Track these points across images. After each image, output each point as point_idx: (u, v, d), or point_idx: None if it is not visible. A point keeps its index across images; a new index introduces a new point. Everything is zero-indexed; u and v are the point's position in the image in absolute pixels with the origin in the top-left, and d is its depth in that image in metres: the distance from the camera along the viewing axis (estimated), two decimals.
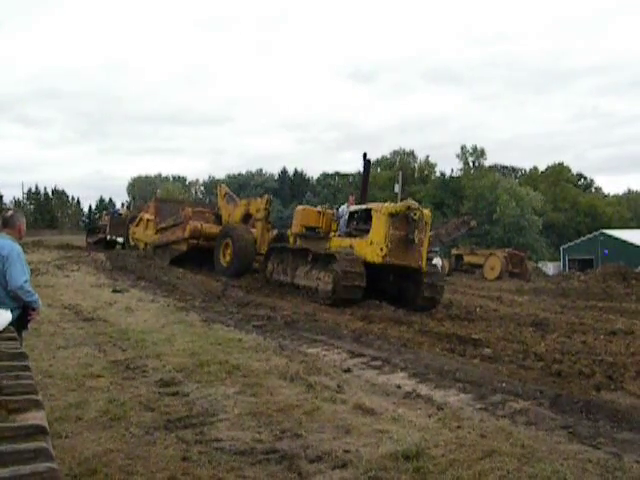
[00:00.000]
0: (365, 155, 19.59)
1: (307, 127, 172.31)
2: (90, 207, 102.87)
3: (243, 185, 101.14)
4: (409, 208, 16.26)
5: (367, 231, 16.93)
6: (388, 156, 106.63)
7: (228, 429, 5.95)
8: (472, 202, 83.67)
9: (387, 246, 15.97)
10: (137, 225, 28.87)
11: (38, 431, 2.58)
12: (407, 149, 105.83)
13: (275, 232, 24.13)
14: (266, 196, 23.83)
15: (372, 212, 16.84)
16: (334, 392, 7.38)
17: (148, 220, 27.68)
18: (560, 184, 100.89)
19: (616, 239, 66.09)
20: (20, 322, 5.87)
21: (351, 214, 18.58)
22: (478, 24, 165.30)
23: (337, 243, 18.09)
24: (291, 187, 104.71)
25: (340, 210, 19.49)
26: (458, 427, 6.23)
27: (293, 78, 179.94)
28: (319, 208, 20.41)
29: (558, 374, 9.13)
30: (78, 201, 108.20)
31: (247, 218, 23.80)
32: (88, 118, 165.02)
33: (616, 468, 5.27)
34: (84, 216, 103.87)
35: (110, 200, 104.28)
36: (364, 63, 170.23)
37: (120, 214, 41.48)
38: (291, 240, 20.72)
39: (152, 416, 6.23)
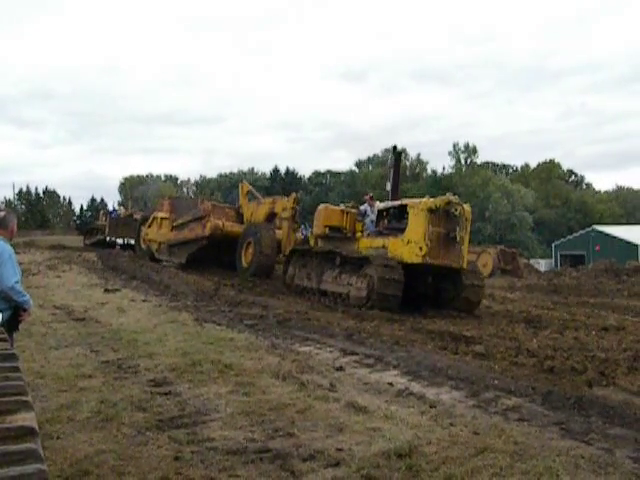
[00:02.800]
0: (395, 147, 18.42)
1: (298, 126, 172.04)
2: (82, 207, 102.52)
3: (235, 184, 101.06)
4: (449, 203, 15.18)
5: (402, 229, 15.76)
6: (379, 154, 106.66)
7: (220, 428, 5.94)
8: (464, 199, 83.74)
9: (427, 245, 14.83)
10: (150, 226, 27.17)
11: (27, 432, 2.56)
12: (399, 147, 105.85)
13: (305, 233, 23.09)
14: (293, 194, 22.38)
15: (408, 208, 15.64)
16: (326, 390, 7.37)
17: (162, 218, 26.10)
18: (551, 181, 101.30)
19: (607, 235, 66.35)
20: (11, 323, 5.85)
21: (380, 212, 17.44)
22: (467, 24, 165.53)
23: (367, 244, 16.89)
24: (283, 186, 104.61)
25: (362, 209, 18.17)
26: (451, 424, 6.23)
27: (285, 78, 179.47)
28: (342, 207, 19.28)
29: (550, 370, 9.14)
30: (70, 201, 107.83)
31: (272, 217, 22.64)
32: (81, 118, 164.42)
33: (608, 464, 5.27)
34: (75, 216, 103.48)
35: (102, 200, 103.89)
36: (355, 63, 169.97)
37: (119, 214, 40.47)
38: (311, 242, 19.57)
39: (144, 416, 6.22)
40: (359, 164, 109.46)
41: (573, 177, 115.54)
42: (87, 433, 5.70)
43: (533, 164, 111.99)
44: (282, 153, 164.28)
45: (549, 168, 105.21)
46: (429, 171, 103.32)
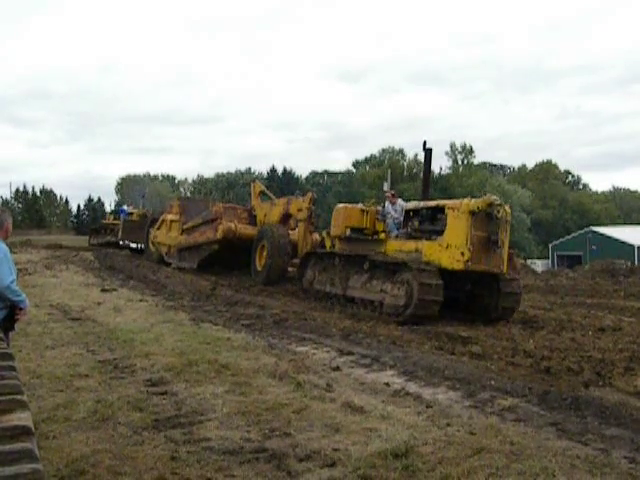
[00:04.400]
0: (425, 143, 16.66)
1: (296, 127, 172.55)
2: (78, 207, 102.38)
3: (232, 183, 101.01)
4: (491, 204, 13.93)
5: (436, 232, 14.58)
6: (377, 154, 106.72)
7: (217, 428, 5.93)
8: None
9: (469, 250, 13.62)
10: (159, 228, 26.17)
11: (23, 432, 2.56)
12: (396, 147, 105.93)
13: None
14: (309, 194, 20.97)
15: (446, 210, 14.37)
16: (323, 390, 7.37)
17: (172, 221, 25.13)
18: (548, 181, 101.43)
19: (604, 236, 66.44)
20: (7, 322, 5.86)
21: (407, 212, 16.09)
22: (463, 26, 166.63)
23: (396, 247, 15.49)
24: (280, 186, 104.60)
25: (385, 207, 16.94)
26: (447, 425, 6.23)
27: (283, 79, 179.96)
28: (361, 206, 17.91)
29: (547, 371, 9.15)
30: (66, 201, 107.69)
31: (286, 218, 21.43)
32: (79, 118, 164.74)
33: (604, 464, 5.28)
34: (72, 216, 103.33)
35: (99, 199, 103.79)
36: (352, 64, 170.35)
37: (130, 213, 37.62)
38: (328, 244, 18.13)
39: (140, 416, 6.21)
40: (356, 164, 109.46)
41: (570, 178, 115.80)
42: (83, 433, 5.69)
43: (530, 165, 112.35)
44: (279, 153, 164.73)
45: (546, 169, 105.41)
46: None
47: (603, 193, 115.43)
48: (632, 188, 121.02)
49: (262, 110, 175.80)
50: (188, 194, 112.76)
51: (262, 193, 24.18)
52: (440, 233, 14.36)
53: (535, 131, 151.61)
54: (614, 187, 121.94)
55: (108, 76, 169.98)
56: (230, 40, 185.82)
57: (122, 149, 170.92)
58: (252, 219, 23.02)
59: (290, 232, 20.80)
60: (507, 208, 14.42)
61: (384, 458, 5.23)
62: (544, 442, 5.81)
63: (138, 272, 22.08)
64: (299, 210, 20.47)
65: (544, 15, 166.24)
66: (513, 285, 14.86)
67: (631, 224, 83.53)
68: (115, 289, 16.71)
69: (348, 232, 17.08)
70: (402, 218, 16.20)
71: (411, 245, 14.98)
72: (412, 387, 7.82)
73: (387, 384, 7.87)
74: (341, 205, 17.99)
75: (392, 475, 4.93)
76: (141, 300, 14.78)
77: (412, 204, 16.36)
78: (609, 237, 65.80)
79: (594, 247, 64.65)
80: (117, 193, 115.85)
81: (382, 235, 16.50)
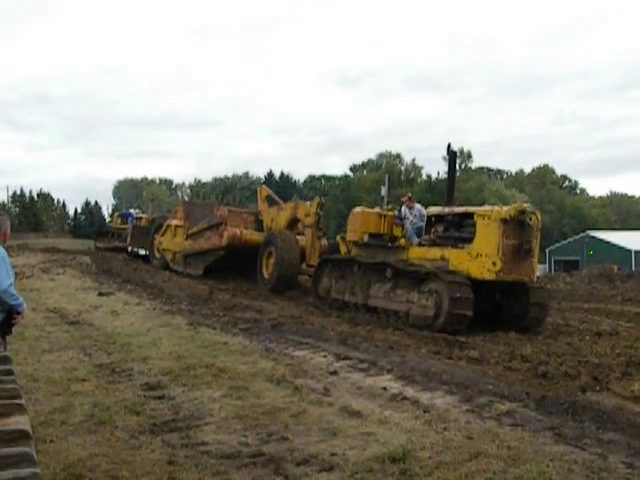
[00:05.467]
0: (449, 146, 15.72)
1: (294, 131, 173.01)
2: (75, 210, 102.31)
3: (229, 188, 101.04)
4: (524, 212, 13.40)
5: (463, 239, 14.03)
6: (374, 159, 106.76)
7: (214, 432, 5.93)
8: (458, 205, 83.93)
9: (500, 259, 13.01)
10: (163, 234, 25.28)
11: (21, 436, 2.56)
12: (393, 152, 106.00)
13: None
14: (317, 198, 20.30)
15: (475, 217, 13.70)
16: (320, 395, 7.37)
17: (176, 226, 24.28)
18: (545, 186, 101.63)
19: (601, 241, 66.52)
20: (4, 326, 5.85)
21: (429, 218, 15.45)
22: (459, 31, 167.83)
23: (419, 254, 14.79)
24: (277, 190, 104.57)
25: (402, 212, 16.31)
26: (444, 429, 6.23)
27: (281, 83, 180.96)
28: (378, 209, 17.46)
29: (544, 375, 9.15)
30: (64, 204, 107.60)
31: (294, 224, 20.76)
32: (77, 122, 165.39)
33: (601, 469, 5.28)
34: (69, 219, 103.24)
35: (96, 203, 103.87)
36: (350, 69, 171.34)
37: (139, 218, 35.62)
38: (343, 249, 17.43)
39: (138, 420, 6.21)
40: (354, 169, 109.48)
41: (567, 182, 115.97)
42: (80, 437, 5.69)
43: (527, 169, 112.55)
44: (277, 157, 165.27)
45: (543, 173, 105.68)
46: (424, 176, 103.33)
47: (600, 198, 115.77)
48: (629, 193, 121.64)
49: (260, 114, 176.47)
50: (186, 198, 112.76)
51: (269, 197, 23.39)
52: (467, 240, 13.84)
53: (532, 136, 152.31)
54: (611, 192, 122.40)
55: (107, 80, 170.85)
56: (228, 45, 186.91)
57: (120, 153, 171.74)
58: (258, 224, 22.41)
59: (298, 238, 20.13)
60: (538, 215, 13.92)
61: (381, 462, 5.23)
62: (541, 447, 5.81)
63: (135, 276, 22.04)
64: (307, 215, 19.82)
65: (539, 21, 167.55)
66: (541, 294, 14.35)
67: (628, 229, 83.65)
68: (112, 293, 16.68)
69: (366, 238, 16.39)
70: (421, 223, 15.67)
71: (436, 253, 14.36)
72: (409, 392, 7.82)
73: (384, 388, 7.86)
74: (358, 209, 17.32)
75: (389, 479, 4.93)
76: (138, 304, 14.76)
77: (435, 209, 15.74)
78: (606, 242, 65.88)
79: (591, 252, 64.72)
80: (114, 197, 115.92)
81: (402, 241, 15.76)
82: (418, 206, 16.30)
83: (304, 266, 19.39)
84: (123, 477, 4.85)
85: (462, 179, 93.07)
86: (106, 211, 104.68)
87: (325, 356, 9.86)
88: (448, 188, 16.05)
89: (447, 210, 15.05)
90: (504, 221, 13.12)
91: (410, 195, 16.88)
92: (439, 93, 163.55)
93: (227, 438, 5.78)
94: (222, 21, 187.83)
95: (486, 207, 14.26)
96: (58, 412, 6.38)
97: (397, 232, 16.23)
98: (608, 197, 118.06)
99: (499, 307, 14.36)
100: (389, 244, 16.07)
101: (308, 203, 20.46)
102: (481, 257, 13.24)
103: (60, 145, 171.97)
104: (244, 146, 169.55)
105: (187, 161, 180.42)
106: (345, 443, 5.73)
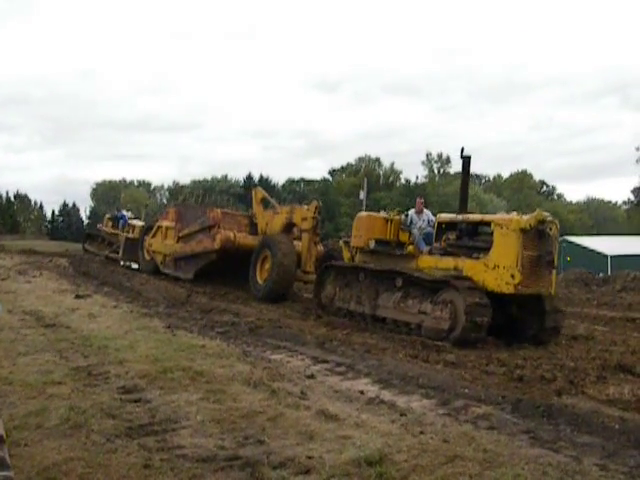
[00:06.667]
0: (462, 150, 14.66)
1: (273, 135, 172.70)
2: (53, 212, 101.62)
3: (208, 190, 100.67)
4: (543, 221, 12.75)
5: (477, 248, 13.32)
6: (353, 163, 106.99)
7: (191, 436, 5.91)
8: (437, 209, 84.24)
9: (520, 272, 12.31)
10: (154, 236, 24.46)
11: None
12: (372, 156, 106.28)
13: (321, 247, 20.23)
14: (314, 202, 19.44)
15: (493, 226, 12.99)
16: (298, 398, 7.37)
17: (167, 228, 23.59)
18: (523, 191, 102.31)
19: (578, 246, 66.98)
20: None
21: (440, 225, 14.62)
22: (439, 38, 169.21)
23: (430, 263, 14.06)
24: None
25: (409, 216, 15.72)
26: (421, 432, 6.26)
27: (260, 87, 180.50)
28: (383, 214, 16.53)
29: (520, 379, 9.21)
30: (41, 206, 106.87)
31: (289, 228, 20.03)
32: (56, 124, 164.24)
33: (576, 471, 5.33)
34: (47, 221, 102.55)
35: (74, 205, 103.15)
36: (329, 74, 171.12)
37: (130, 218, 33.11)
38: (346, 255, 16.73)
39: (114, 423, 6.17)
40: (332, 172, 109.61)
41: (544, 188, 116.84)
42: (55, 440, 5.64)
43: (505, 175, 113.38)
44: (256, 161, 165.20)
45: (521, 178, 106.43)
46: (402, 180, 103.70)
47: (577, 203, 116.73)
48: (606, 198, 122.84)
49: (239, 118, 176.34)
50: (164, 200, 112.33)
51: (264, 200, 22.43)
52: (482, 250, 13.14)
53: (510, 142, 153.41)
54: (588, 197, 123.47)
55: (86, 82, 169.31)
56: (207, 48, 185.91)
57: (99, 155, 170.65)
58: (253, 227, 21.64)
59: (295, 243, 19.43)
60: (557, 225, 13.29)
61: (358, 466, 5.24)
62: (517, 450, 5.85)
63: (113, 278, 21.94)
64: (303, 219, 19.14)
65: (516, 29, 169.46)
66: (555, 303, 13.73)
67: (605, 234, 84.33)
68: (89, 295, 16.57)
69: (372, 244, 15.45)
70: (430, 230, 15.03)
71: (449, 262, 13.59)
72: (386, 395, 7.84)
73: (361, 392, 7.88)
74: (364, 213, 16.69)
75: None
76: (115, 307, 14.68)
77: (447, 216, 14.85)
78: (583, 247, 66.35)
79: (569, 259, 65.18)
80: (92, 198, 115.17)
81: (410, 248, 14.93)
82: (427, 211, 15.88)
83: (299, 272, 18.85)
84: None
85: (440, 184, 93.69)
86: (84, 213, 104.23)
87: (303, 359, 9.87)
88: (461, 194, 15.09)
89: (460, 217, 14.25)
90: (524, 231, 12.46)
91: (422, 200, 16.19)
92: (418, 99, 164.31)
93: (203, 441, 5.76)
94: (202, 25, 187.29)
95: (504, 215, 13.59)
96: (33, 415, 6.32)
97: (404, 238, 15.66)
98: (585, 202, 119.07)
99: (512, 320, 13.47)
100: (396, 251, 15.31)
101: (305, 207, 19.81)
102: (499, 269, 12.54)
103: (38, 147, 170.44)
104: (224, 149, 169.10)
105: (166, 164, 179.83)
106: (322, 446, 5.73)
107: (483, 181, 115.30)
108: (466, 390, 8.23)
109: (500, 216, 13.50)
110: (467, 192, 15.12)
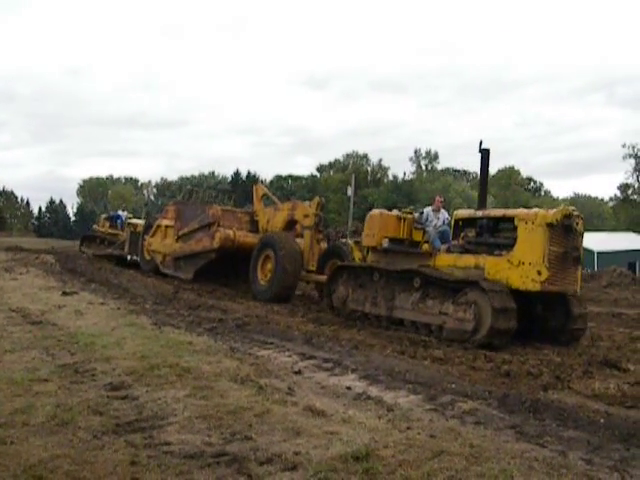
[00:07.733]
0: (481, 143, 13.92)
1: (261, 131, 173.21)
2: (40, 209, 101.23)
3: (196, 186, 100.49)
4: (569, 216, 12.37)
5: (499, 245, 12.94)
6: (341, 159, 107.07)
7: (178, 432, 5.90)
8: (424, 205, 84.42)
9: (547, 268, 11.95)
10: (153, 235, 23.96)
11: None
12: (360, 152, 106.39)
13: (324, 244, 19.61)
14: (317, 198, 19.23)
15: (517, 222, 12.59)
16: (285, 394, 7.37)
17: (167, 227, 23.08)
18: (510, 187, 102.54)
19: None
20: None
21: (457, 221, 14.33)
22: (426, 36, 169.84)
23: (448, 262, 13.58)
24: (244, 189, 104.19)
25: (424, 214, 15.32)
26: (408, 428, 6.27)
27: (249, 84, 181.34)
28: (396, 212, 15.96)
29: (507, 374, 9.26)
30: (28, 203, 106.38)
31: (291, 225, 19.84)
32: (43, 121, 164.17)
33: (561, 466, 5.36)
34: (34, 218, 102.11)
35: (61, 202, 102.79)
36: (317, 71, 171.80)
37: (131, 224, 31.10)
38: (357, 255, 16.61)
39: (100, 420, 6.15)
40: (320, 169, 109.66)
41: (532, 184, 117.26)
42: (42, 438, 5.62)
43: (493, 171, 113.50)
44: (244, 157, 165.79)
45: (508, 174, 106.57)
46: (390, 177, 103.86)
47: (564, 200, 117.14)
48: (592, 194, 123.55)
49: (227, 114, 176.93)
50: (152, 197, 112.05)
51: (265, 197, 22.26)
52: (504, 247, 12.77)
53: (497, 138, 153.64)
54: (575, 193, 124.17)
55: (74, 79, 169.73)
56: (197, 44, 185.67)
57: (86, 152, 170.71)
58: (253, 225, 21.37)
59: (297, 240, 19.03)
60: (583, 219, 12.86)
61: (345, 461, 5.25)
62: (503, 444, 5.88)
63: (100, 275, 21.89)
64: (305, 216, 18.88)
65: (504, 25, 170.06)
66: (580, 304, 13.26)
67: (592, 230, 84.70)
68: (76, 292, 16.50)
69: (386, 243, 15.02)
70: (447, 228, 14.65)
71: (469, 260, 13.13)
72: (373, 391, 7.85)
73: (349, 388, 7.89)
74: (376, 211, 15.92)
75: (353, 478, 4.95)
76: (102, 303, 14.63)
77: (465, 212, 14.58)
78: None
79: None
80: (79, 195, 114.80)
81: (425, 246, 14.65)
82: (442, 210, 15.45)
83: (302, 272, 18.44)
84: (85, 478, 4.80)
85: (428, 180, 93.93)
86: (71, 210, 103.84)
87: (290, 356, 9.87)
88: (480, 190, 14.66)
89: (480, 213, 13.84)
90: (550, 226, 12.10)
91: (442, 198, 15.83)
92: (406, 96, 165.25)
93: (190, 438, 5.75)
94: (190, 21, 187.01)
95: (528, 210, 13.00)
96: (19, 413, 6.29)
97: (417, 237, 15.28)
98: (572, 199, 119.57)
99: (535, 320, 13.21)
100: (411, 250, 14.90)
101: (307, 203, 19.58)
102: (524, 265, 12.12)
103: (25, 143, 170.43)
104: (212, 146, 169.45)
105: (154, 160, 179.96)
106: (309, 442, 5.73)
107: (471, 177, 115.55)
108: (453, 386, 8.26)
109: (524, 211, 13.02)
110: (486, 187, 14.62)
